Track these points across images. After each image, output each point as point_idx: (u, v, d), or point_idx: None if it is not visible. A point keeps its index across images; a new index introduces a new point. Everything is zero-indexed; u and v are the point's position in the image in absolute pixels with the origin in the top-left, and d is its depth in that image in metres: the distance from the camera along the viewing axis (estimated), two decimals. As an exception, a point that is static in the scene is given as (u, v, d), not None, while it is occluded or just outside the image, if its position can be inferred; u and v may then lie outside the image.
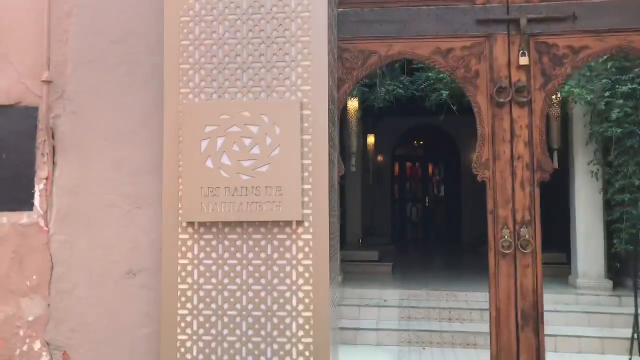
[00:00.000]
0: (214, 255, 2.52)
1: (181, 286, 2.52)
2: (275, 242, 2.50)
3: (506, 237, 3.06)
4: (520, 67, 3.10)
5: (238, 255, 2.51)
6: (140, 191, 2.66)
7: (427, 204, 15.44)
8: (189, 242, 2.53)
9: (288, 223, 2.48)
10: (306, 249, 2.48)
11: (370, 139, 12.33)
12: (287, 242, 2.49)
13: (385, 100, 6.27)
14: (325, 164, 2.49)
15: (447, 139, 14.53)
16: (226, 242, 2.52)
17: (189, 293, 2.51)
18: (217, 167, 2.48)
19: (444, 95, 5.87)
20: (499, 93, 3.12)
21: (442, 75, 6.14)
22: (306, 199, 2.48)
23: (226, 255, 2.51)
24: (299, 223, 2.48)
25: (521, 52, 3.06)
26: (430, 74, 5.96)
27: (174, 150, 2.55)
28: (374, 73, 5.89)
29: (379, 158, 13.93)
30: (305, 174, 2.48)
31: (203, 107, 2.52)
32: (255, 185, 2.46)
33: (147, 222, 2.65)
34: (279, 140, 2.46)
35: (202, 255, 2.53)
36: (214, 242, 2.52)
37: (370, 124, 11.42)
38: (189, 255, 2.53)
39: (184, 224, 2.53)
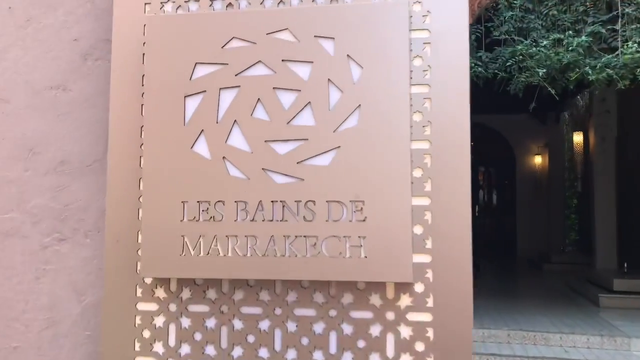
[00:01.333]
0: (211, 350, 1.14)
1: (139, 417, 1.15)
2: (348, 329, 1.10)
3: None
4: None
5: (263, 353, 1.12)
6: (67, 206, 1.30)
7: (476, 214, 13.76)
8: (159, 321, 1.17)
9: (377, 287, 1.09)
10: (419, 347, 1.07)
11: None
12: (375, 330, 1.09)
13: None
14: (465, 151, 1.08)
15: (500, 141, 12.93)
16: (237, 325, 1.14)
17: None
18: (219, 155, 1.11)
19: (540, 74, 4.41)
20: None
21: (533, 49, 4.65)
22: (419, 230, 1.08)
23: (237, 353, 1.13)
24: (403, 288, 1.08)
25: None
26: (519, 47, 4.50)
27: (129, 121, 1.20)
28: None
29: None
30: (418, 173, 1.09)
31: (191, 26, 1.15)
32: (303, 199, 1.07)
33: (78, 270, 1.29)
34: (359, 97, 1.07)
35: (184, 350, 1.15)
36: (211, 323, 1.15)
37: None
38: (158, 348, 1.16)
39: (148, 282, 1.17)
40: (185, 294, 1.16)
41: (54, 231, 1.30)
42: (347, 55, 1.08)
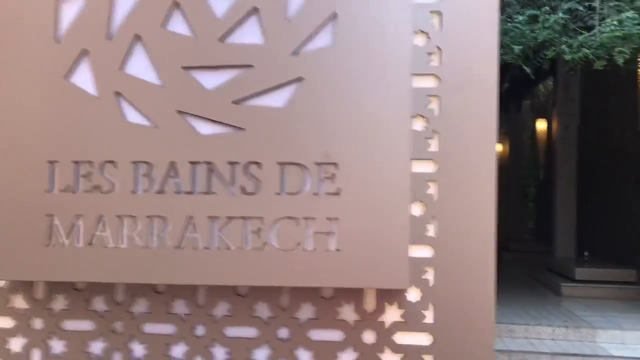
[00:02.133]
0: (96, 391, 0.74)
1: None
2: (306, 357, 0.73)
3: None
4: None
5: (178, 396, 0.74)
6: None
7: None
8: (16, 344, 0.76)
9: (351, 294, 0.72)
10: (413, 385, 0.71)
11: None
12: (347, 359, 0.72)
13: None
14: (491, 90, 0.72)
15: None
16: (138, 351, 0.74)
17: None
18: (109, 90, 0.70)
19: (516, 50, 4.16)
20: None
21: (508, 25, 4.38)
22: (418, 210, 0.71)
23: (137, 396, 0.74)
24: (389, 295, 0.71)
25: None
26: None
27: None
28: None
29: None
30: (419, 124, 0.71)
31: None
32: (242, 160, 0.68)
33: None
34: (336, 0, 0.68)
35: (56, 390, 0.75)
36: (97, 348, 0.75)
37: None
38: (14, 388, 0.75)
39: (0, 285, 0.76)
40: (59, 303, 0.76)
41: None
42: None
